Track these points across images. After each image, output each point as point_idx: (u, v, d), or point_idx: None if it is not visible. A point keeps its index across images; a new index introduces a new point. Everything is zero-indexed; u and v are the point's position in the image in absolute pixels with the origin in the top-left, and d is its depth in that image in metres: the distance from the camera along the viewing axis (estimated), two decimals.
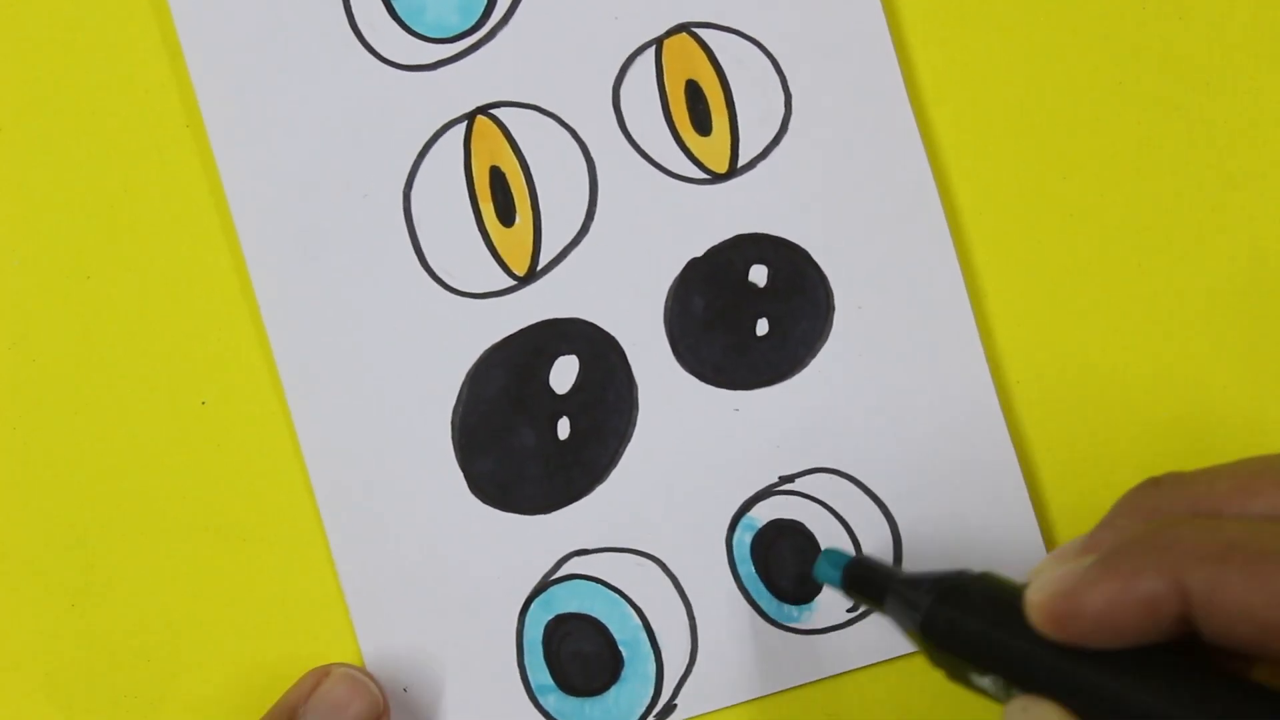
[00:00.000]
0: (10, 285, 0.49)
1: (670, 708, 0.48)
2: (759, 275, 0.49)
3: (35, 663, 0.48)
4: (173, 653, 0.48)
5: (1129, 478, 0.48)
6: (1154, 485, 0.37)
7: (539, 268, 0.49)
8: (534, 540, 0.48)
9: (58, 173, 0.49)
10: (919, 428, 0.48)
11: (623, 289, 0.49)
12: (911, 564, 0.48)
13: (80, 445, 0.49)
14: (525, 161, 0.49)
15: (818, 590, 0.48)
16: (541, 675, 0.48)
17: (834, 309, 0.49)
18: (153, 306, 0.49)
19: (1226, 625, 0.32)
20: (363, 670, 0.47)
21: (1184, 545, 0.34)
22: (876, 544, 0.48)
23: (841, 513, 0.48)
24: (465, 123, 0.49)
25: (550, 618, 0.48)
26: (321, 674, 0.47)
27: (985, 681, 0.37)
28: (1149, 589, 0.33)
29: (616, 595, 0.48)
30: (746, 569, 0.48)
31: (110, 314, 0.49)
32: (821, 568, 0.44)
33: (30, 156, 0.49)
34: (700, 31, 0.49)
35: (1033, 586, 0.36)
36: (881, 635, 0.48)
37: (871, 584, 0.42)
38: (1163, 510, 0.36)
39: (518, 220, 0.49)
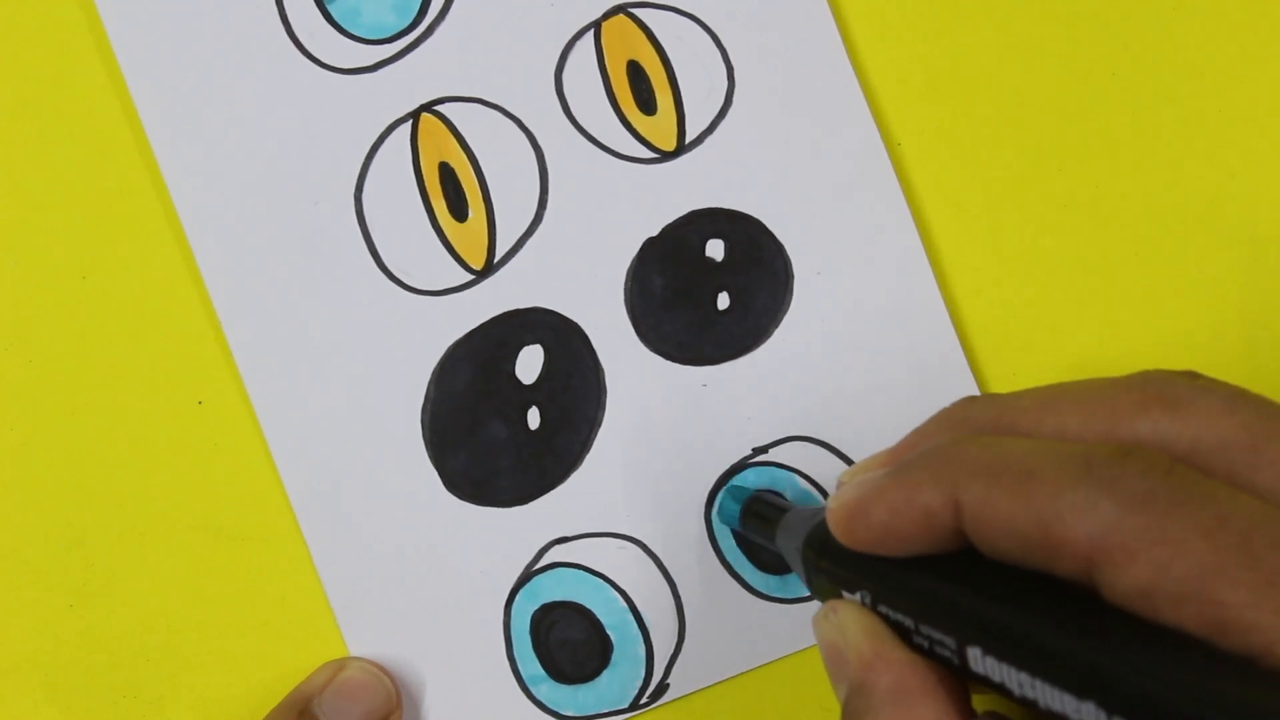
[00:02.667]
0: (7, 286, 0.49)
1: (663, 688, 0.48)
2: (716, 250, 0.49)
3: (34, 663, 0.48)
4: (171, 653, 0.48)
5: None
6: (969, 402, 0.39)
7: (496, 260, 0.49)
8: (513, 532, 0.48)
9: (54, 174, 0.49)
10: (887, 388, 0.49)
11: (581, 274, 0.49)
12: None
13: (78, 446, 0.49)
14: (474, 155, 0.49)
15: None
16: (532, 666, 0.48)
17: (793, 277, 0.49)
18: (150, 307, 0.49)
19: (992, 539, 0.34)
20: (378, 665, 0.47)
21: (962, 461, 0.35)
22: None
23: (817, 478, 0.48)
24: (410, 121, 0.49)
25: (536, 608, 0.48)
26: (337, 667, 0.47)
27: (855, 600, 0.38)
28: (926, 501, 0.35)
29: (600, 580, 0.48)
30: (728, 543, 0.48)
31: (107, 314, 0.49)
32: (724, 504, 0.47)
33: (25, 159, 0.49)
34: (637, 11, 0.49)
35: (832, 496, 0.38)
36: None
37: (765, 518, 0.45)
38: (969, 425, 0.38)
39: (471, 215, 0.49)
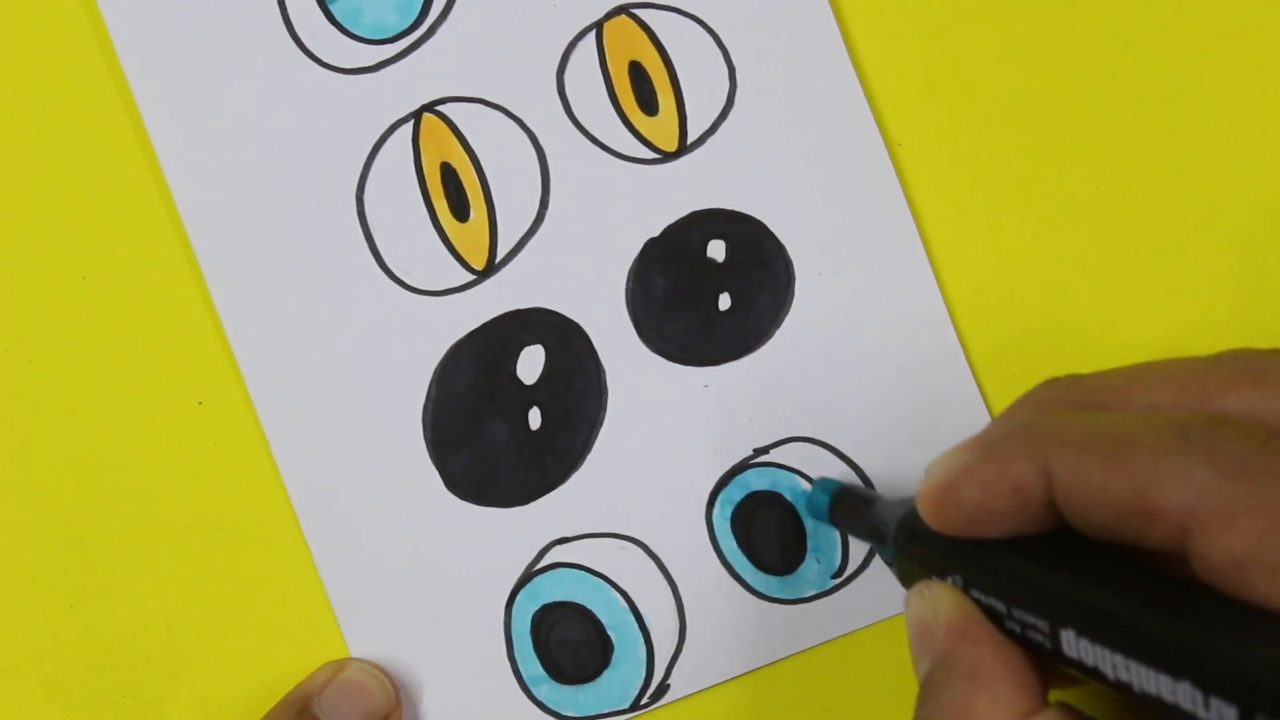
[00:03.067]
0: (6, 286, 0.49)
1: (664, 688, 0.48)
2: (717, 250, 0.49)
3: (34, 663, 0.48)
4: (171, 653, 0.48)
5: None
6: (1051, 383, 0.39)
7: (497, 260, 0.49)
8: (514, 532, 0.48)
9: (55, 174, 0.49)
10: (888, 389, 0.49)
11: (583, 275, 0.49)
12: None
13: (78, 446, 0.49)
14: (475, 156, 0.49)
15: (800, 560, 0.48)
16: (533, 666, 0.48)
17: (794, 278, 0.49)
18: (150, 306, 0.49)
19: (1085, 510, 0.34)
20: (377, 666, 0.47)
21: (1054, 433, 0.35)
22: None
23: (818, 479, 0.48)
24: (412, 122, 0.49)
25: (537, 608, 0.48)
26: (337, 667, 0.47)
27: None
28: (1018, 474, 0.35)
29: (601, 581, 0.48)
30: (728, 543, 0.48)
31: (107, 314, 0.49)
32: (815, 495, 0.47)
33: (26, 158, 0.49)
34: (639, 12, 0.49)
35: (921, 481, 0.38)
36: (867, 599, 0.48)
37: (855, 510, 0.45)
38: (1055, 405, 0.38)
39: (472, 215, 0.49)
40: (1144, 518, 0.32)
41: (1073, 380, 0.38)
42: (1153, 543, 0.33)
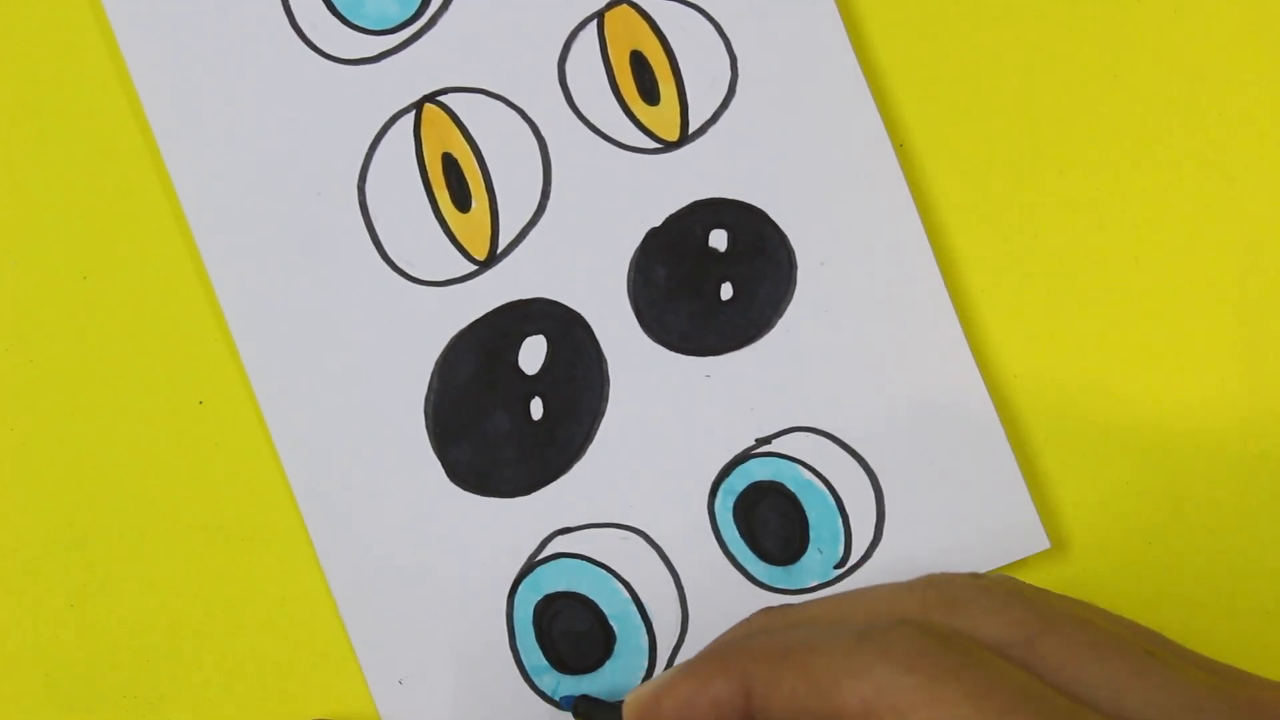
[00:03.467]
0: (7, 286, 0.49)
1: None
2: (719, 240, 0.49)
3: (35, 663, 0.48)
4: (172, 653, 0.48)
5: (1107, 409, 0.48)
6: (764, 613, 0.41)
7: (499, 251, 0.49)
8: (516, 523, 0.48)
9: (56, 171, 0.49)
10: (891, 378, 0.49)
11: (584, 265, 0.49)
12: (895, 513, 0.48)
13: (78, 445, 0.49)
14: (477, 146, 0.49)
15: (803, 550, 0.48)
16: (535, 656, 0.48)
17: (797, 267, 0.49)
18: (150, 305, 0.49)
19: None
20: None
21: (751, 650, 0.37)
22: (858, 498, 0.48)
23: (820, 469, 0.48)
24: (413, 112, 0.49)
25: (539, 599, 0.48)
26: None
27: None
28: (717, 691, 0.37)
29: (603, 571, 0.48)
30: (730, 534, 0.48)
31: (107, 314, 0.49)
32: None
33: (26, 155, 0.49)
34: (640, 1, 0.49)
35: (629, 692, 0.40)
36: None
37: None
38: (760, 628, 0.40)
39: (474, 205, 0.49)
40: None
41: (782, 610, 0.41)
42: None
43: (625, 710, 0.40)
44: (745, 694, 0.36)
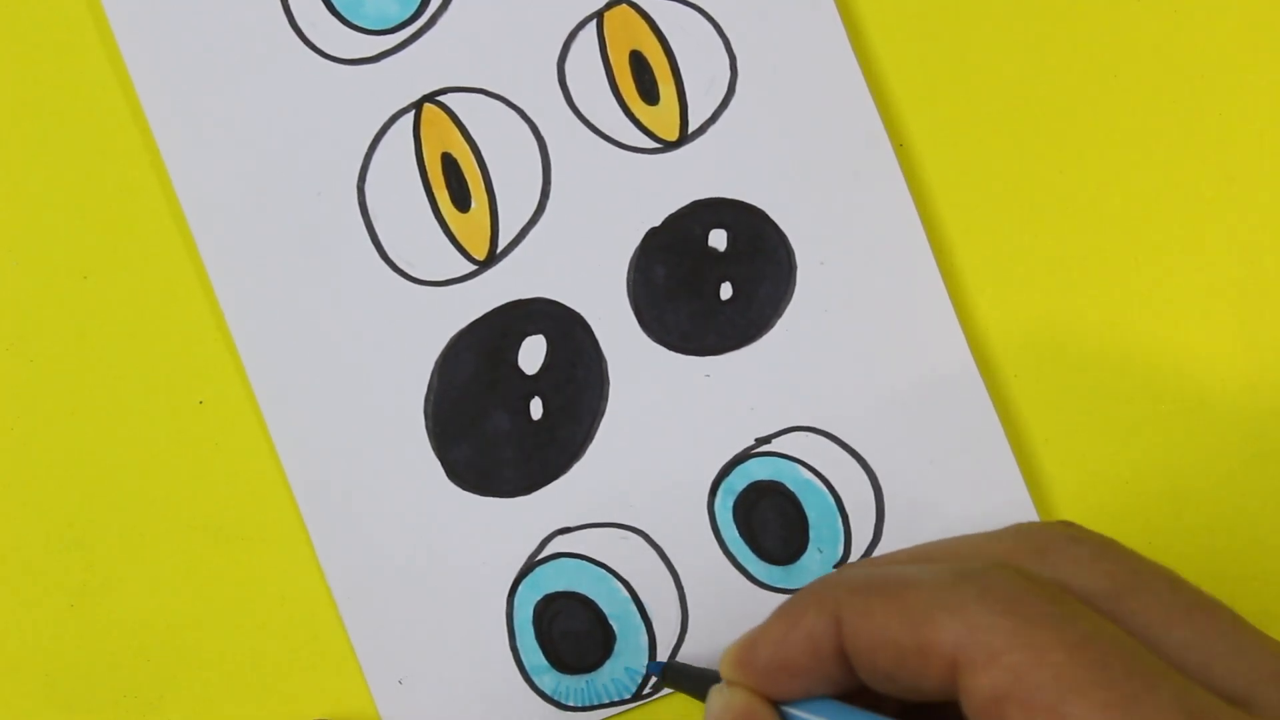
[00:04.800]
0: (7, 286, 0.49)
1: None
2: (719, 240, 0.49)
3: (35, 663, 0.48)
4: (172, 653, 0.48)
5: (1106, 408, 0.48)
6: (846, 566, 0.42)
7: (499, 250, 0.49)
8: (516, 522, 0.48)
9: (55, 171, 0.49)
10: (891, 378, 0.49)
11: (584, 265, 0.49)
12: (895, 512, 0.48)
13: (78, 445, 0.49)
14: (476, 146, 0.49)
15: (803, 550, 0.48)
16: (535, 656, 0.48)
17: (796, 267, 0.49)
18: (150, 305, 0.49)
19: (869, 654, 0.35)
20: None
21: (843, 582, 0.36)
22: (858, 497, 0.48)
23: (820, 469, 0.48)
24: (413, 112, 0.49)
25: (539, 598, 0.48)
26: None
27: None
28: (810, 624, 0.36)
29: (603, 570, 0.48)
30: (730, 533, 0.48)
31: (107, 314, 0.49)
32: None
33: (26, 155, 0.49)
34: (640, 1, 0.49)
35: (727, 647, 0.39)
36: None
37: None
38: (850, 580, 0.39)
39: (473, 205, 0.49)
40: (919, 655, 0.34)
41: (865, 562, 0.41)
42: (930, 686, 0.34)
43: (722, 663, 0.39)
44: (836, 625, 0.36)
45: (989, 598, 0.33)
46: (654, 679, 0.48)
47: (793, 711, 0.38)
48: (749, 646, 0.38)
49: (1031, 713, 0.32)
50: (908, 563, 0.38)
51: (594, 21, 0.49)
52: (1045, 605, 0.33)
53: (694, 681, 0.45)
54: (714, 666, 0.48)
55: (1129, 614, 0.35)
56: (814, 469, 0.48)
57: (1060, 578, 0.36)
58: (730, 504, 0.48)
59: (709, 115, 0.49)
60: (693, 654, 0.48)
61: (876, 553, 0.48)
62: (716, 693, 0.39)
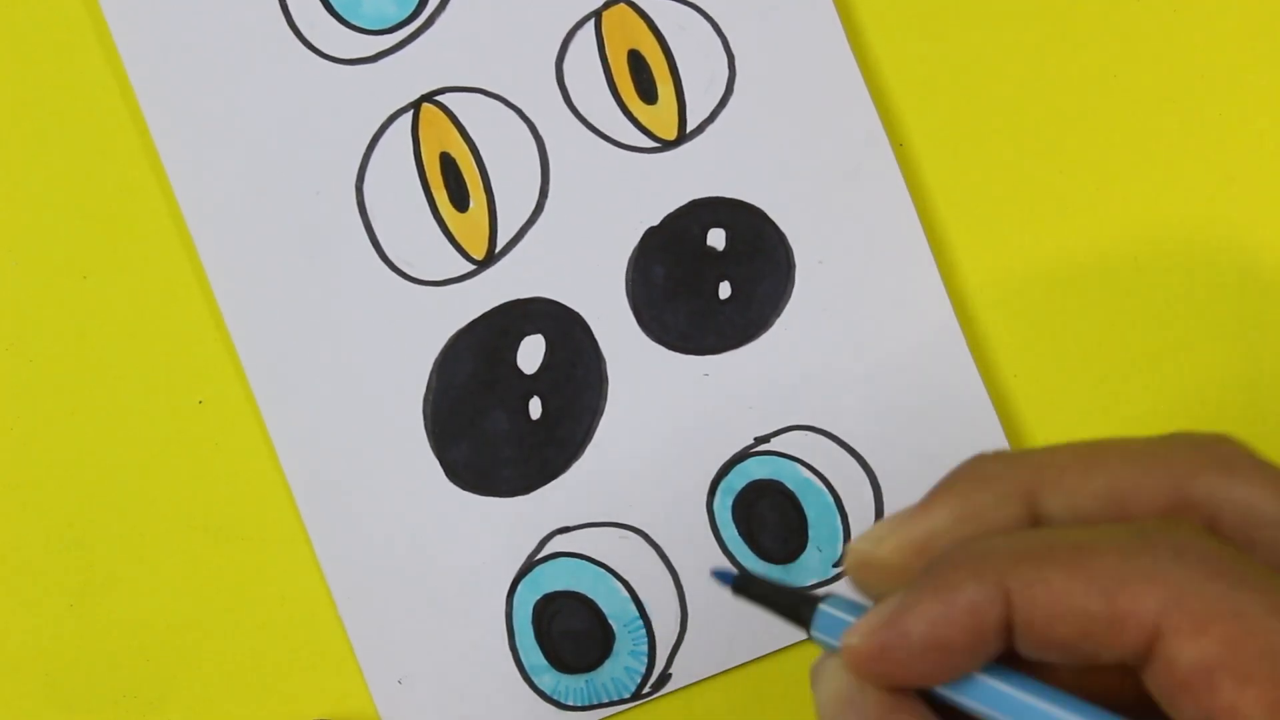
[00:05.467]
0: (7, 286, 0.49)
1: (665, 677, 0.48)
2: (717, 239, 0.49)
3: (35, 663, 0.48)
4: (172, 653, 0.48)
5: (1106, 408, 0.48)
6: (985, 460, 0.35)
7: (497, 250, 0.49)
8: (515, 522, 0.48)
9: (55, 171, 0.49)
10: (889, 377, 0.49)
11: (582, 264, 0.49)
12: (892, 510, 0.48)
13: (78, 445, 0.49)
14: (474, 145, 0.49)
15: (802, 548, 0.48)
16: (534, 656, 0.48)
17: (795, 266, 0.49)
18: (150, 305, 0.49)
19: (1048, 624, 0.31)
20: None
21: (1002, 552, 0.32)
22: (856, 496, 0.48)
23: (819, 468, 0.48)
24: (411, 112, 0.49)
25: (538, 598, 0.48)
26: None
27: None
28: (971, 598, 0.32)
29: (602, 570, 0.48)
30: (730, 532, 0.48)
31: (107, 314, 0.49)
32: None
33: (25, 156, 0.49)
34: (638, 0, 0.49)
35: (846, 631, 0.33)
36: None
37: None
38: (996, 485, 0.34)
39: (472, 205, 0.49)
40: (1112, 624, 0.31)
41: (1015, 457, 0.35)
42: (1113, 654, 0.31)
43: (853, 653, 0.33)
44: (1005, 598, 0.31)
45: (1187, 560, 0.31)
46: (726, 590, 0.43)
47: (950, 694, 0.33)
48: (893, 629, 0.32)
49: (1249, 683, 0.29)
50: (1069, 472, 0.33)
51: (592, 21, 0.49)
52: (1245, 569, 0.31)
53: (777, 599, 0.38)
54: (722, 663, 0.48)
55: None
56: (813, 468, 0.48)
57: (1249, 500, 0.33)
58: (729, 503, 0.48)
59: (707, 114, 0.49)
60: (692, 654, 0.48)
61: None
62: (838, 667, 0.34)
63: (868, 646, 0.33)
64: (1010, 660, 0.33)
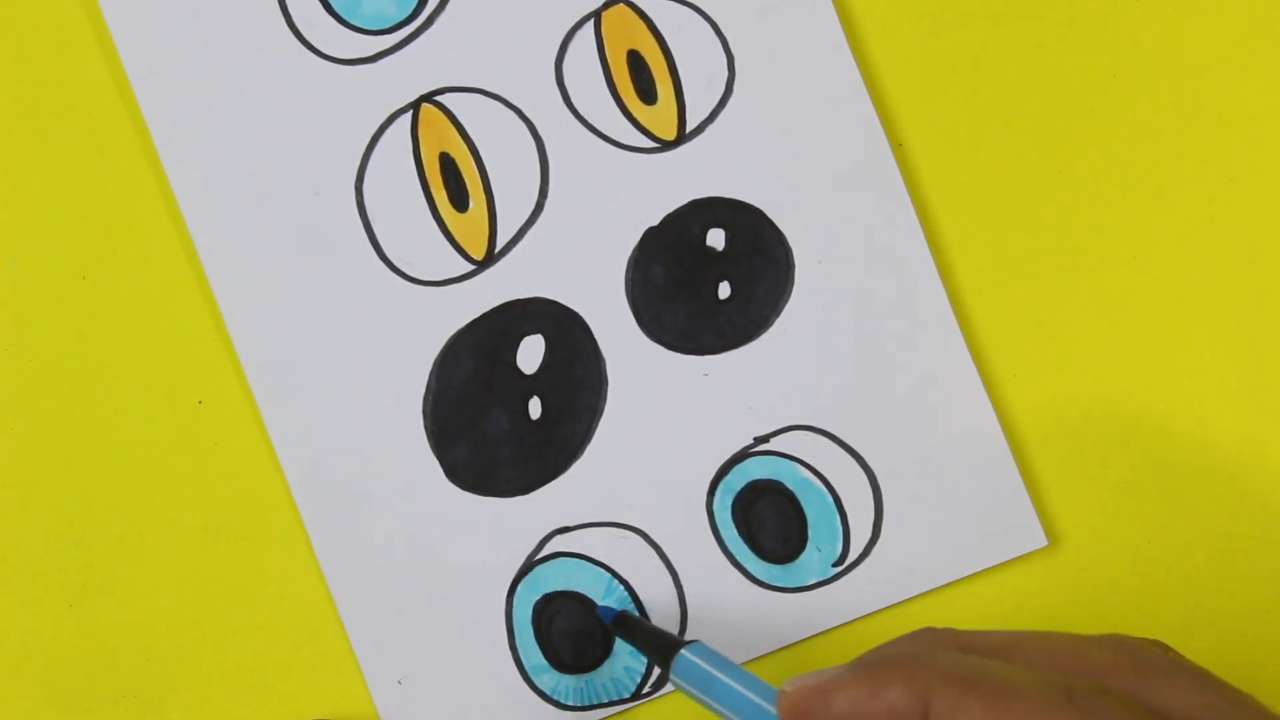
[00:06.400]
0: (7, 286, 0.49)
1: (665, 678, 0.48)
2: (716, 239, 0.49)
3: (35, 663, 0.48)
4: (172, 652, 0.48)
5: (1105, 407, 0.48)
6: (929, 632, 0.39)
7: (497, 250, 0.49)
8: (515, 522, 0.48)
9: (55, 172, 0.49)
10: (889, 377, 0.49)
11: (582, 264, 0.49)
12: (894, 511, 0.48)
13: (78, 445, 0.49)
14: (474, 146, 0.49)
15: (802, 549, 0.48)
16: (534, 656, 0.48)
17: (794, 266, 0.49)
18: (149, 306, 0.49)
19: None
20: None
21: (936, 667, 0.35)
22: (856, 496, 0.48)
23: (818, 467, 0.48)
24: (411, 112, 0.49)
25: (538, 598, 0.48)
26: None
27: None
28: (894, 698, 0.35)
29: (602, 570, 0.48)
30: (729, 532, 0.48)
31: (107, 314, 0.49)
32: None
33: (25, 156, 0.49)
34: (637, 1, 0.49)
35: (787, 680, 0.37)
36: (869, 588, 0.48)
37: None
38: (929, 645, 0.38)
39: (472, 205, 0.49)
40: None
41: (952, 633, 0.38)
42: None
43: (784, 700, 0.37)
44: (924, 710, 0.34)
45: None
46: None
47: None
48: (818, 696, 0.36)
49: None
50: (1002, 650, 0.37)
51: (591, 21, 0.49)
52: None
53: (650, 641, 0.44)
54: (726, 660, 0.48)
55: None
56: (812, 468, 0.48)
57: (1161, 701, 0.35)
58: (729, 503, 0.48)
59: (707, 114, 0.49)
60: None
61: (875, 552, 0.48)
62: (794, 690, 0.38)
63: (792, 701, 0.37)
64: None
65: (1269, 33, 0.50)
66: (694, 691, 0.42)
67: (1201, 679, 0.36)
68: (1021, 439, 0.49)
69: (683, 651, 0.43)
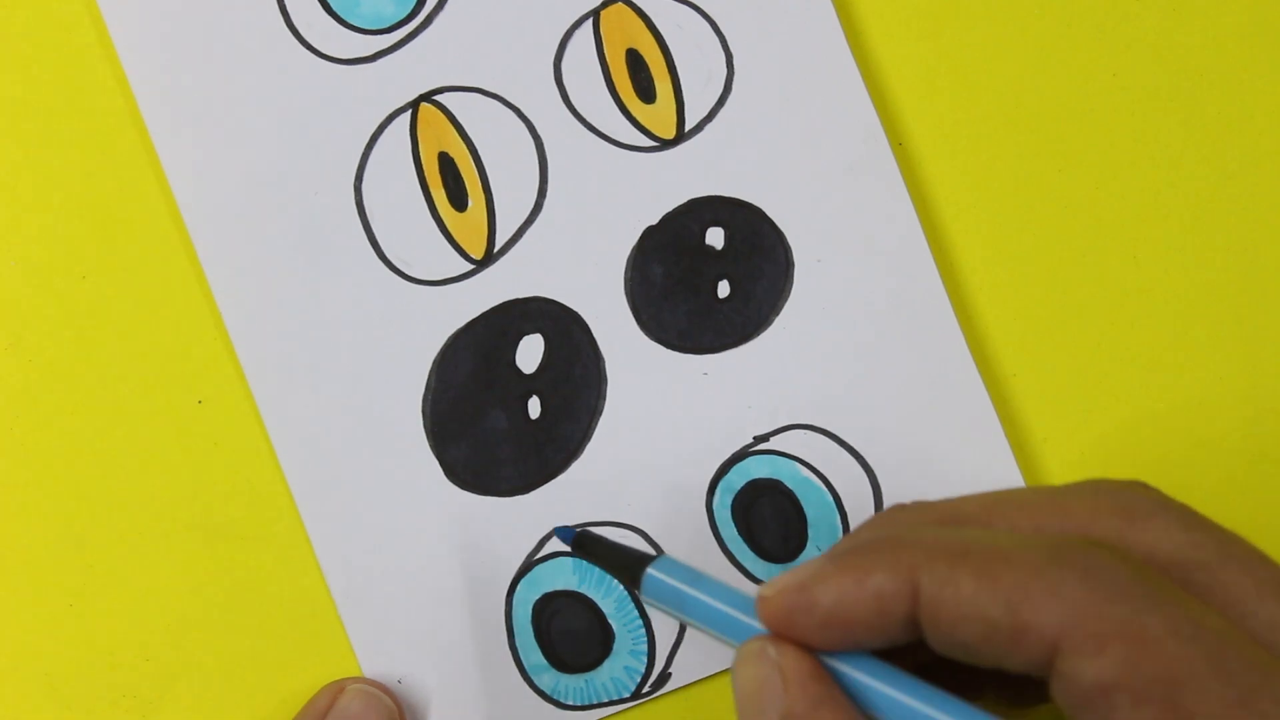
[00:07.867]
0: (7, 286, 0.49)
1: (665, 677, 0.48)
2: (716, 238, 0.49)
3: (35, 663, 0.48)
4: (171, 652, 0.48)
5: (1105, 407, 0.48)
6: (900, 508, 0.38)
7: (496, 249, 0.49)
8: (514, 521, 0.48)
9: (54, 172, 0.49)
10: (889, 375, 0.48)
11: (581, 263, 0.49)
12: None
13: (78, 445, 0.49)
14: (473, 145, 0.49)
15: (801, 548, 0.48)
16: (534, 655, 0.48)
17: (794, 264, 0.49)
18: (149, 306, 0.49)
19: (951, 626, 0.33)
20: (377, 684, 0.47)
21: (920, 544, 0.34)
22: (856, 495, 0.48)
23: (818, 466, 0.48)
24: (410, 111, 0.49)
25: (537, 597, 0.48)
26: (336, 689, 0.47)
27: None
28: (880, 583, 0.34)
29: (601, 570, 0.48)
30: (729, 531, 0.48)
31: (106, 314, 0.49)
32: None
33: (25, 156, 0.49)
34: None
35: (766, 583, 0.36)
36: None
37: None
38: (913, 524, 0.37)
39: (470, 204, 0.49)
40: (1014, 635, 0.32)
41: (923, 506, 0.37)
42: (1015, 663, 0.32)
43: (766, 605, 0.35)
44: (913, 591, 0.33)
45: (1092, 580, 0.32)
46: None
47: (833, 663, 0.35)
48: (802, 592, 0.35)
49: (1144, 704, 0.31)
50: (980, 516, 0.36)
51: (590, 20, 0.49)
52: (1151, 590, 0.32)
53: (615, 561, 0.42)
54: (722, 663, 0.48)
55: (1221, 587, 0.34)
56: (812, 467, 0.48)
57: (1147, 543, 0.34)
58: (729, 502, 0.48)
59: (706, 113, 0.49)
60: (692, 654, 0.48)
61: None
62: (755, 655, 0.36)
63: (776, 604, 0.35)
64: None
65: (1269, 33, 0.50)
66: (668, 609, 0.40)
67: (1187, 517, 0.35)
68: (1022, 439, 0.49)
69: (649, 570, 0.40)
